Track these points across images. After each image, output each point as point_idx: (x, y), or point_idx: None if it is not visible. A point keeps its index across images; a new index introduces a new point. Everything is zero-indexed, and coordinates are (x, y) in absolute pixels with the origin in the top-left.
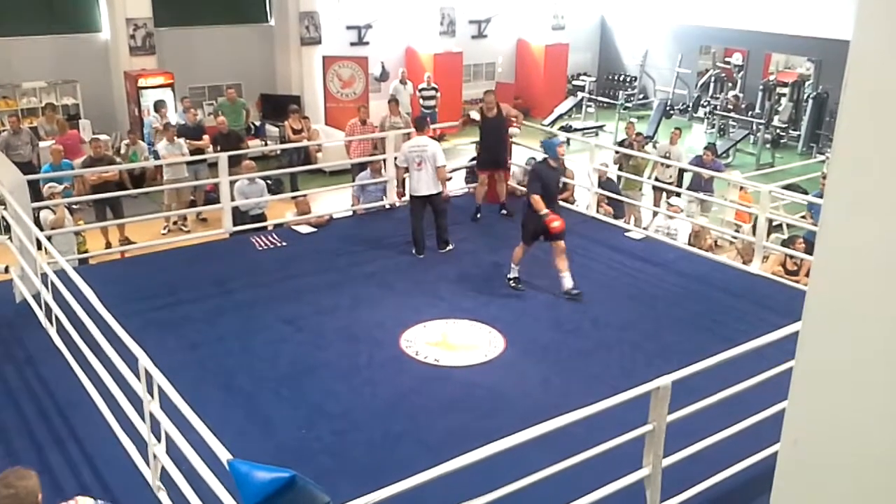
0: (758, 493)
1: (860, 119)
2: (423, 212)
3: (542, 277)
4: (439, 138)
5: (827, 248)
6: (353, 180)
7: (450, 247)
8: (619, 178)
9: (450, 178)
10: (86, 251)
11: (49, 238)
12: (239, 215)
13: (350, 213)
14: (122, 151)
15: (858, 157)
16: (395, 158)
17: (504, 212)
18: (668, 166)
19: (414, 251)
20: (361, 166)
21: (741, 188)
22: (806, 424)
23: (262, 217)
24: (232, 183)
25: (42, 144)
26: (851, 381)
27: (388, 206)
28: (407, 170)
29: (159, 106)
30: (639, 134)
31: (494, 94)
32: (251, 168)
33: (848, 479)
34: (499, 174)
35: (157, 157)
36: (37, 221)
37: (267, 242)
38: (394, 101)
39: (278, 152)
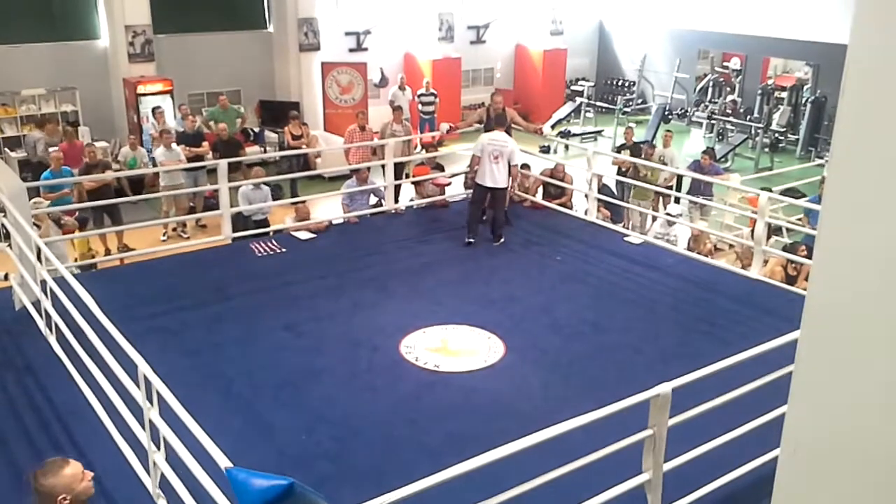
0: (759, 498)
1: (858, 123)
2: (483, 202)
3: (539, 282)
4: (439, 144)
5: (826, 251)
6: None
7: (502, 240)
8: (618, 183)
9: (449, 184)
10: (94, 255)
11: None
12: (241, 220)
13: (349, 218)
14: (120, 158)
15: (857, 162)
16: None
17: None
18: (661, 170)
19: (467, 237)
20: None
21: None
22: (805, 431)
23: (265, 223)
24: (236, 188)
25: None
26: (851, 386)
27: (393, 212)
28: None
29: (155, 112)
30: (652, 146)
31: (503, 96)
32: (261, 174)
33: (849, 486)
34: None
35: (155, 163)
36: None
37: (266, 248)
38: (398, 109)
39: (277, 158)
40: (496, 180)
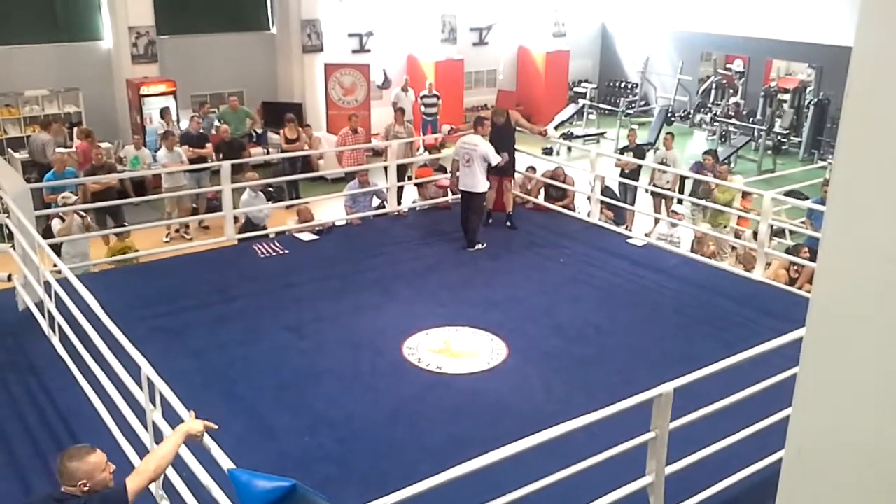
0: (763, 501)
1: (863, 125)
2: (465, 205)
3: (542, 284)
4: (441, 146)
5: (830, 254)
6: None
7: (478, 246)
8: (621, 185)
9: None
10: (136, 250)
11: (60, 245)
12: (251, 226)
13: (352, 220)
14: (122, 154)
15: (861, 163)
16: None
17: (509, 224)
18: (664, 172)
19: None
20: (353, 176)
21: (743, 195)
22: (810, 432)
23: (264, 229)
24: (239, 190)
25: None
26: (855, 387)
27: (396, 214)
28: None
29: (164, 113)
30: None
31: (505, 112)
32: (253, 178)
33: (853, 488)
34: (505, 183)
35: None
36: (49, 230)
37: (269, 250)
38: (400, 111)
39: (279, 160)
40: (467, 184)
